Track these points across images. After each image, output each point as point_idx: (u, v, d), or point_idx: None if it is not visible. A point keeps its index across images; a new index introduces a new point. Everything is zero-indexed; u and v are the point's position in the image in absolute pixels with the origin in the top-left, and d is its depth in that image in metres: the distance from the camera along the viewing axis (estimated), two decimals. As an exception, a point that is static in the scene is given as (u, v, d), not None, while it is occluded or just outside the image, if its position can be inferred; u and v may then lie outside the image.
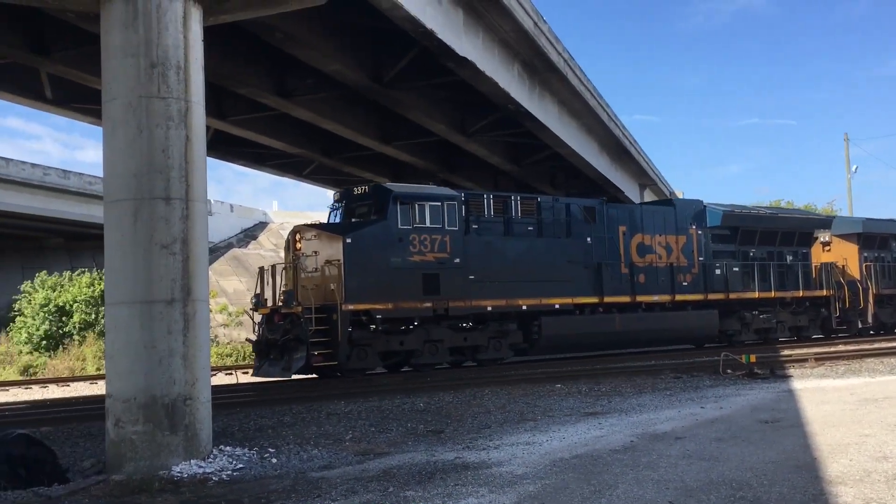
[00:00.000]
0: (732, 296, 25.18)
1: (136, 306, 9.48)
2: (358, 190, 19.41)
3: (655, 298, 23.13)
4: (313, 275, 18.03)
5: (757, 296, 25.84)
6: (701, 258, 24.54)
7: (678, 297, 23.67)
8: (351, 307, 17.67)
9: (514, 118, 23.34)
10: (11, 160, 34.74)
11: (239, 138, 24.86)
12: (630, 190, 37.28)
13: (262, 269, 19.47)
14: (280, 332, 17.48)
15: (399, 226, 18.39)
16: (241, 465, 9.67)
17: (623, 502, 6.80)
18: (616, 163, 34.42)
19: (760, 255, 26.49)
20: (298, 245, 18.42)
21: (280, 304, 18.34)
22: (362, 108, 23.49)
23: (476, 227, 19.84)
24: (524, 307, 20.39)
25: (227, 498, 8.11)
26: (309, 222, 21.24)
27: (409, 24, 15.96)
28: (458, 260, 19.07)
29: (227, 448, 10.40)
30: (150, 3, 9.77)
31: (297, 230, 18.96)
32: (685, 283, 24.02)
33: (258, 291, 18.90)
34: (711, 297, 24.54)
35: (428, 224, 18.65)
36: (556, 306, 20.99)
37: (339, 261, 17.65)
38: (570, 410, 13.10)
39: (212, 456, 9.94)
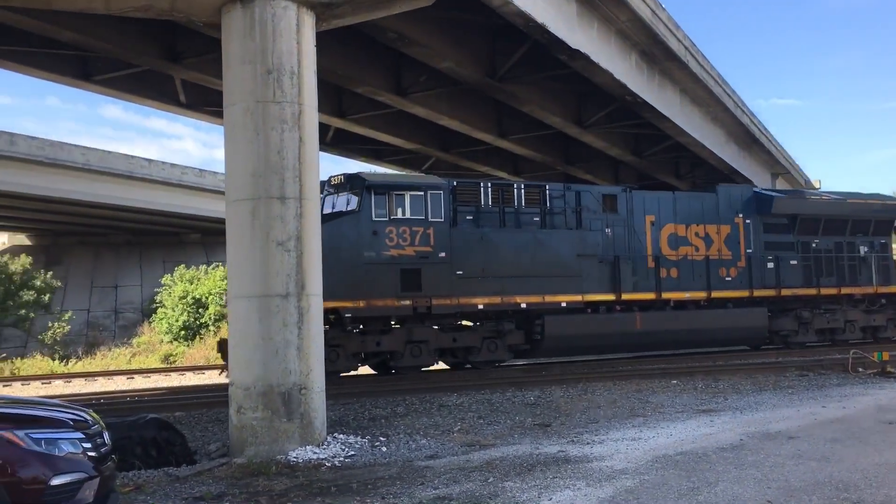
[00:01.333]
0: (786, 292, 22.29)
1: (254, 300, 10.06)
2: (335, 179, 18.02)
3: (687, 296, 20.77)
4: None
5: (817, 292, 22.81)
6: (749, 250, 21.97)
7: (715, 294, 21.20)
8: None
9: (633, 109, 22.96)
10: (154, 161, 37.01)
11: (358, 135, 25.58)
12: (760, 179, 35.81)
13: None
14: None
15: (374, 217, 16.97)
16: (352, 453, 10.11)
17: (719, 499, 6.72)
18: (744, 151, 33.19)
19: (825, 246, 23.51)
20: None
21: None
22: (477, 102, 23.69)
23: (468, 218, 18.22)
24: (523, 305, 18.52)
25: (337, 483, 8.52)
26: None
27: (520, 19, 16.02)
28: (443, 254, 17.52)
29: (341, 436, 10.87)
30: (265, 13, 10.32)
31: None
32: (728, 279, 21.58)
33: None
34: (758, 293, 21.84)
35: (408, 215, 17.24)
36: (563, 304, 18.94)
37: None
38: (682, 407, 12.90)
39: (326, 443, 10.42)
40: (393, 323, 17.56)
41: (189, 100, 21.19)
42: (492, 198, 18.65)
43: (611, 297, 19.73)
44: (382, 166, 31.10)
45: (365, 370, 18.82)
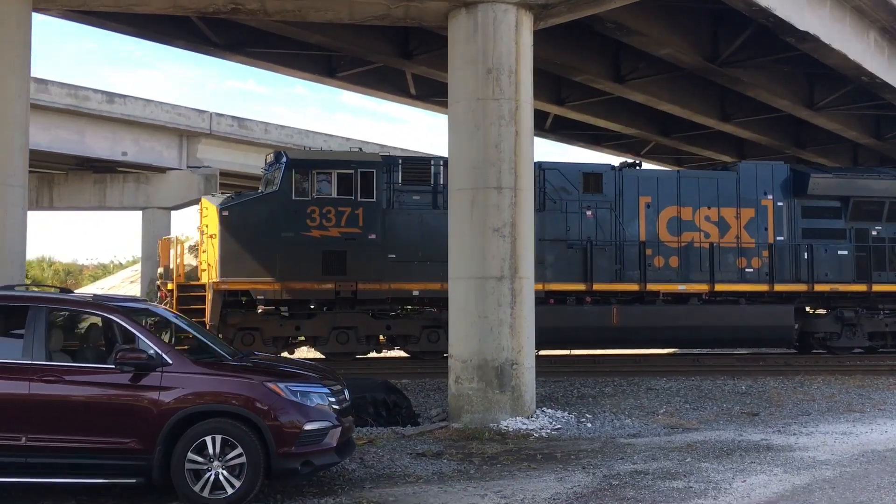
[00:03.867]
0: (820, 287, 18.79)
1: (471, 281, 11.04)
2: (268, 157, 17.41)
3: (681, 288, 17.91)
4: (206, 251, 16.64)
5: (867, 289, 19.06)
6: (780, 237, 18.76)
7: (720, 287, 18.18)
8: (224, 286, 15.90)
9: (871, 90, 21.56)
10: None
11: (576, 122, 26.07)
12: None
13: (168, 241, 17.71)
14: None
15: (294, 196, 16.17)
16: (559, 426, 10.83)
17: (919, 496, 6.71)
18: None
19: (890, 234, 19.60)
20: (202, 218, 16.94)
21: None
22: (698, 87, 23.31)
23: (412, 198, 16.90)
24: None
25: (543, 452, 9.29)
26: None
27: (741, 4, 15.73)
28: (373, 235, 16.45)
29: (549, 410, 11.63)
30: (487, 17, 11.18)
31: (201, 202, 17.36)
32: (749, 270, 18.48)
33: (166, 264, 17.31)
34: (781, 287, 18.49)
35: (334, 195, 16.24)
36: None
37: (215, 235, 16.14)
38: (907, 406, 12.36)
39: (535, 415, 11.23)
40: (326, 308, 16.81)
41: (418, 92, 22.73)
42: (442, 177, 16.85)
43: (581, 286, 17.52)
44: (601, 152, 31.36)
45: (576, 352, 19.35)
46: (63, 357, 7.04)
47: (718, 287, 18.15)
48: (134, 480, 6.70)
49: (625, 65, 20.99)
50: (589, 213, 17.76)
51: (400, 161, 17.26)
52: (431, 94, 22.67)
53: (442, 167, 16.93)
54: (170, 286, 16.48)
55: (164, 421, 6.64)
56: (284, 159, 16.49)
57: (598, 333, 17.69)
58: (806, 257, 18.84)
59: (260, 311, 16.30)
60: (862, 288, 19.09)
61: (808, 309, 19.72)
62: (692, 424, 11.00)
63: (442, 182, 16.76)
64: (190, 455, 6.64)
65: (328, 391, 7.19)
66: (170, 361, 6.81)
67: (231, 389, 6.85)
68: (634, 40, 18.23)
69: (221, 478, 6.67)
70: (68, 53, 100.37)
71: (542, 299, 16.71)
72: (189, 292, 16.31)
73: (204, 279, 16.34)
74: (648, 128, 27.27)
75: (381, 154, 17.90)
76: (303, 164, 16.43)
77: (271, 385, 6.91)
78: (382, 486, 7.57)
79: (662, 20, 17.88)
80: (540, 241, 16.62)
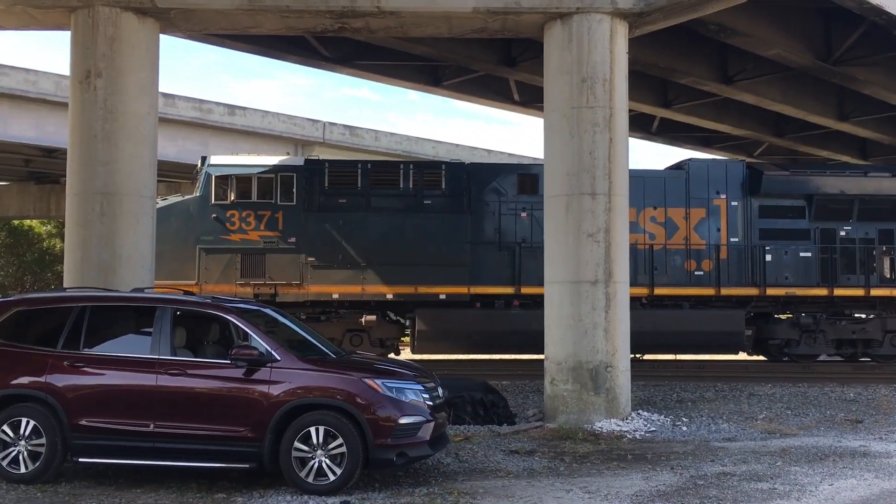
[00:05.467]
0: (773, 291, 17.60)
1: (566, 285, 11.32)
2: (199, 164, 17.44)
3: None
4: None
5: (828, 293, 17.73)
6: (734, 238, 17.79)
7: (659, 291, 17.36)
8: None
9: None
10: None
11: (683, 124, 25.76)
12: None
13: None
14: None
15: (213, 201, 16.48)
16: (653, 429, 10.97)
17: None
18: None
19: (860, 234, 18.21)
20: None
21: None
22: (811, 86, 22.64)
23: (336, 201, 16.83)
24: (389, 297, 16.79)
25: (634, 452, 9.50)
26: None
27: (852, 3, 15.39)
28: (292, 239, 16.58)
29: (645, 413, 11.76)
30: (582, 27, 11.45)
31: None
32: (699, 273, 17.55)
33: None
34: (728, 291, 17.51)
35: (254, 199, 16.42)
36: (442, 297, 16.77)
37: None
38: None
39: (629, 417, 11.39)
40: None
41: (522, 98, 23.09)
42: (363, 180, 17.05)
43: (509, 290, 17.06)
44: (711, 153, 30.77)
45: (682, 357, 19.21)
46: (185, 352, 7.80)
47: (658, 291, 17.45)
48: (247, 466, 7.36)
49: (732, 65, 20.69)
50: (523, 214, 17.39)
51: (326, 165, 17.37)
52: (535, 99, 22.96)
53: (369, 169, 17.30)
54: None
55: (273, 412, 7.28)
56: (206, 164, 16.84)
57: (526, 338, 16.51)
58: (769, 259, 17.81)
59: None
60: (822, 292, 17.83)
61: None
62: (791, 430, 10.92)
63: (369, 184, 17.05)
64: (296, 444, 7.25)
65: (422, 388, 7.67)
66: (278, 358, 7.46)
67: (333, 385, 7.42)
68: (739, 41, 18.01)
69: (324, 465, 7.25)
70: (193, 67, 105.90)
71: (467, 303, 16.93)
72: None
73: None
74: (760, 129, 26.65)
75: (307, 158, 18.05)
76: (223, 168, 16.76)
77: (370, 381, 7.45)
78: (474, 479, 7.99)
79: (767, 20, 17.59)
80: (469, 243, 16.94)
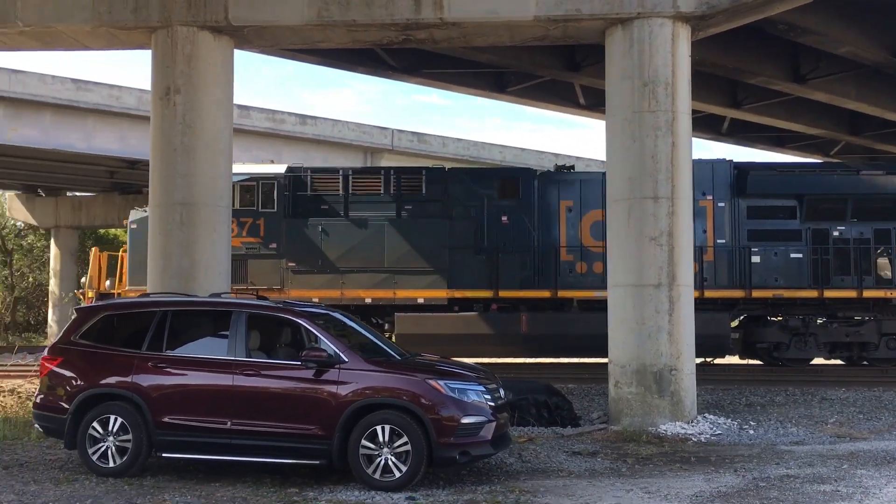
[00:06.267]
0: (759, 293, 16.97)
1: (629, 289, 11.40)
2: None
3: (596, 294, 16.35)
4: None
5: (817, 294, 16.96)
6: (721, 240, 17.23)
7: None
8: (133, 294, 16.84)
9: None
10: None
11: (755, 124, 25.36)
12: None
13: (94, 252, 19.00)
14: None
15: None
16: (719, 432, 10.95)
17: None
18: None
19: (855, 234, 17.32)
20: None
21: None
22: (886, 83, 22.06)
23: (317, 207, 17.23)
24: (368, 301, 16.94)
25: (698, 455, 9.54)
26: None
27: (925, -4, 15.05)
28: (273, 245, 17.03)
29: (711, 416, 11.73)
30: (643, 31, 11.53)
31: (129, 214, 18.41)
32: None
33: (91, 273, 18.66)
34: (712, 294, 16.95)
35: (237, 206, 16.68)
36: (420, 301, 16.87)
37: (126, 246, 17.40)
38: None
39: (695, 420, 11.39)
40: None
41: (588, 101, 23.11)
42: (352, 186, 17.32)
43: (487, 293, 17.00)
44: (784, 153, 30.20)
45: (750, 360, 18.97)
46: (259, 354, 8.21)
47: None
48: (318, 462, 7.73)
49: (804, 64, 20.33)
50: (504, 218, 17.35)
51: (309, 172, 17.66)
52: (601, 103, 22.55)
53: (351, 176, 17.46)
54: (90, 294, 17.87)
55: (341, 411, 7.62)
56: None
57: (505, 341, 17.06)
58: (757, 261, 17.18)
59: None
60: (812, 294, 17.08)
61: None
62: (861, 434, 10.76)
63: (351, 191, 17.29)
64: (363, 442, 7.58)
65: (483, 389, 7.91)
66: (346, 359, 7.81)
67: (398, 385, 7.73)
68: (810, 39, 17.76)
69: (390, 463, 7.55)
70: (267, 77, 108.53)
71: (445, 307, 16.94)
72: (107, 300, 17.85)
73: (120, 288, 17.75)
74: (836, 127, 26.05)
75: (289, 166, 18.32)
76: None
77: (433, 382, 7.73)
78: (536, 478, 8.18)
79: (837, 17, 17.30)
80: (447, 248, 16.94)
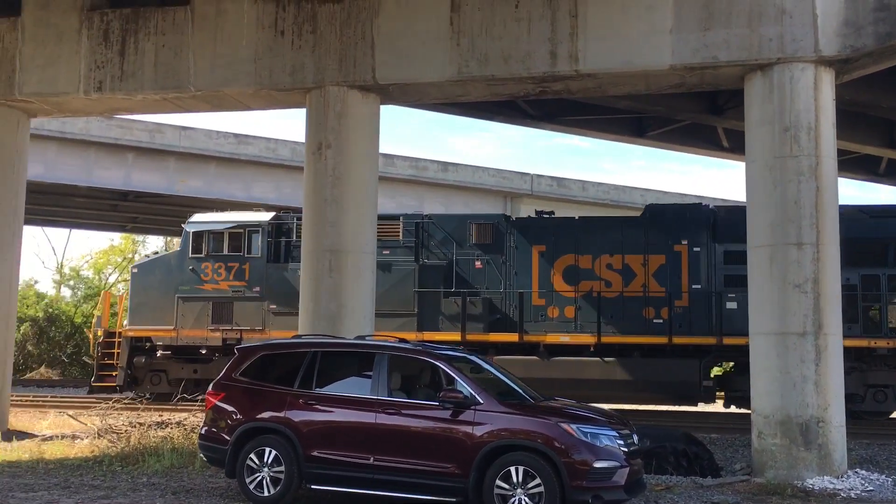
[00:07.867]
0: (730, 340, 16.07)
1: (771, 337, 11.13)
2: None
3: (564, 339, 16.93)
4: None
5: None
6: (696, 286, 16.90)
7: (607, 339, 16.82)
8: (131, 333, 18.49)
9: None
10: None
11: (917, 165, 24.10)
12: None
13: (105, 294, 21.06)
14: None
15: (190, 255, 18.34)
16: (871, 488, 10.44)
17: None
18: None
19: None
20: None
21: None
22: None
23: (294, 253, 17.70)
24: None
25: (847, 512, 9.15)
26: None
27: None
28: (257, 288, 18.04)
29: (863, 472, 11.18)
30: (784, 77, 11.40)
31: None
32: (658, 321, 16.81)
33: (100, 314, 20.22)
34: (680, 340, 16.59)
35: (225, 252, 18.11)
36: None
37: (127, 289, 18.92)
38: None
39: (845, 476, 10.90)
40: (217, 355, 18.05)
41: (731, 144, 22.67)
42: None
43: (455, 336, 17.13)
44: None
45: None
46: (400, 394, 8.67)
47: (605, 339, 16.96)
48: (454, 500, 8.04)
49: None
50: (478, 263, 17.82)
51: (296, 219, 18.11)
52: (744, 146, 22.52)
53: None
54: (98, 332, 19.57)
55: (476, 451, 7.93)
56: (187, 222, 19.02)
57: None
58: (733, 307, 16.45)
59: (158, 354, 18.58)
60: None
61: None
62: None
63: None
64: (498, 482, 7.84)
65: (616, 434, 8.01)
66: (481, 401, 8.12)
67: (532, 428, 7.96)
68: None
69: (524, 503, 7.76)
70: (412, 124, 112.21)
71: None
72: (111, 338, 19.15)
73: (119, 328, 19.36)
74: None
75: (279, 213, 19.32)
76: (200, 226, 18.69)
77: (565, 426, 7.91)
78: (671, 527, 8.14)
79: None
80: (417, 292, 17.49)
